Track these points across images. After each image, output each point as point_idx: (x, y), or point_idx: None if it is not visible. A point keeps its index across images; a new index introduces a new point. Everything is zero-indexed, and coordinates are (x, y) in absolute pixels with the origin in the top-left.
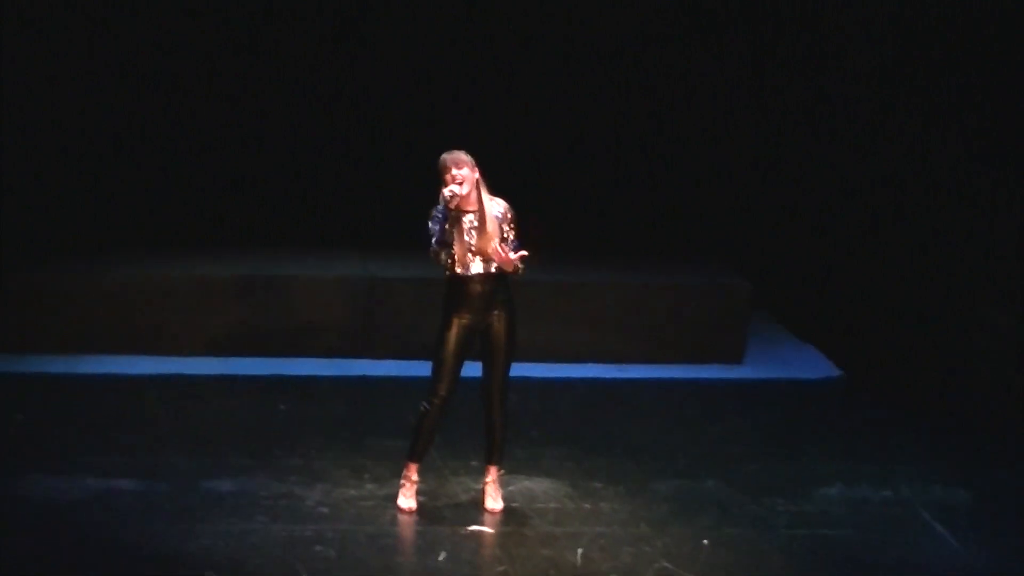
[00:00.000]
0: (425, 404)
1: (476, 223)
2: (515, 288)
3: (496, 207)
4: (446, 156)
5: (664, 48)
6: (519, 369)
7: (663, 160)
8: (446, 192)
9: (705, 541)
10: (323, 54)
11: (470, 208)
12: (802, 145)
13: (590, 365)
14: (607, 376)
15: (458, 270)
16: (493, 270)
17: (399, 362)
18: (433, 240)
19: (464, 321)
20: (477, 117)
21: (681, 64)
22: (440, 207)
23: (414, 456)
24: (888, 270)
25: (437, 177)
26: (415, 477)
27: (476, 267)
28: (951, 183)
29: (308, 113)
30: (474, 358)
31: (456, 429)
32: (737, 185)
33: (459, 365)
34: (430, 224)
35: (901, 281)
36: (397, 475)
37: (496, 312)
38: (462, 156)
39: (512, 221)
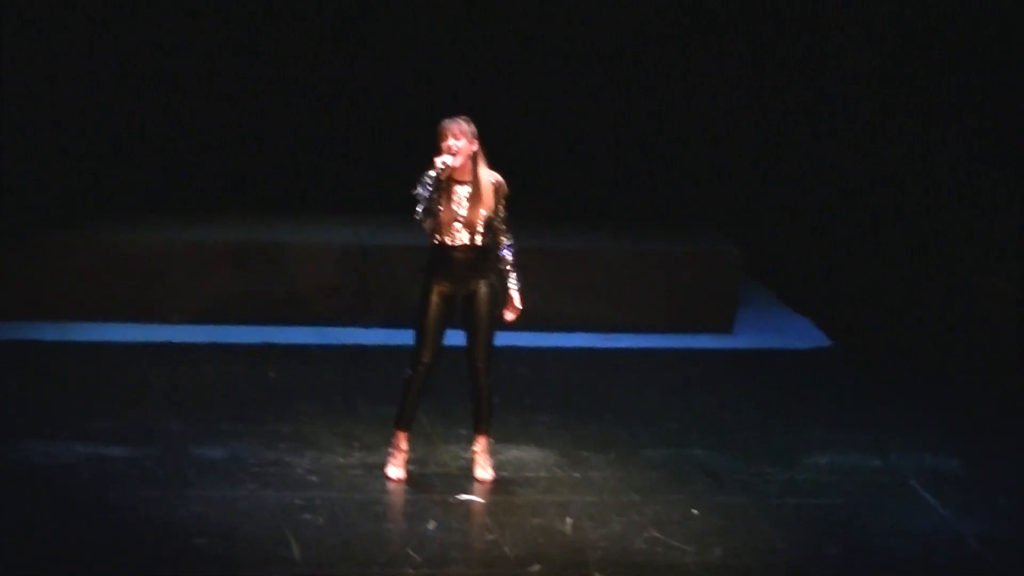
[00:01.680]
0: (409, 371)
1: (469, 194)
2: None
3: (490, 181)
4: (448, 122)
5: (664, 48)
6: (510, 338)
7: (658, 134)
8: (438, 162)
9: (695, 510)
10: (323, 54)
11: (464, 179)
12: (802, 145)
13: (581, 334)
14: (598, 345)
15: (444, 239)
16: (478, 242)
17: (391, 330)
18: (419, 207)
19: (444, 288)
20: (477, 117)
21: (681, 64)
22: (432, 173)
23: (401, 424)
24: (880, 240)
25: (434, 141)
26: (404, 446)
27: (462, 237)
28: (951, 183)
29: (303, 118)
30: (457, 327)
31: (446, 398)
32: (733, 157)
33: (441, 332)
34: (419, 189)
35: (892, 251)
36: (387, 443)
37: (477, 282)
38: (463, 125)
39: (504, 197)
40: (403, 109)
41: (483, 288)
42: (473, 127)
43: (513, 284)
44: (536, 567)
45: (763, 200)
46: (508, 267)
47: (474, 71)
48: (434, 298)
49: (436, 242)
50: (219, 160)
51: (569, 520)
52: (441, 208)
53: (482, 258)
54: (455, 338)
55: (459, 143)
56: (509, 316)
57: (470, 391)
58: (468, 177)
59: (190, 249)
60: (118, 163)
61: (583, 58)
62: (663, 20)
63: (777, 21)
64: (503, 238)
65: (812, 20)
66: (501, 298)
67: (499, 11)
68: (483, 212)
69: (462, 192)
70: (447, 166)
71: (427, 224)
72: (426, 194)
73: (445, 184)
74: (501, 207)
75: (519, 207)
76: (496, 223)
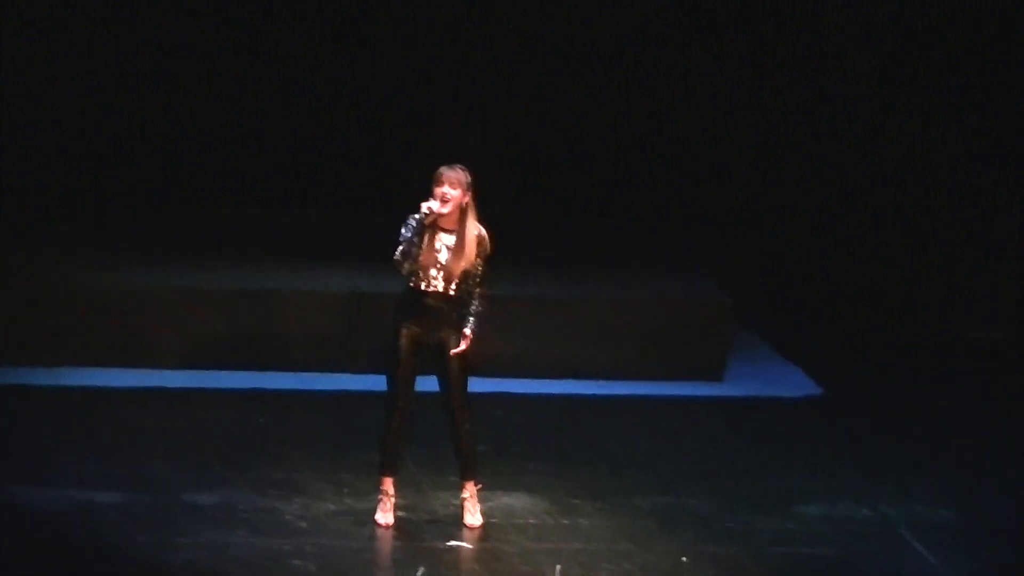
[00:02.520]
0: (387, 416)
1: (453, 244)
2: (497, 303)
3: (475, 234)
4: (446, 170)
5: (664, 48)
6: (500, 384)
7: (652, 173)
8: (424, 206)
9: (684, 558)
10: (323, 54)
11: (450, 228)
12: (802, 145)
13: (572, 381)
14: (588, 392)
15: (420, 284)
16: (452, 292)
17: (382, 376)
18: (399, 249)
19: (413, 332)
20: (477, 117)
21: (681, 64)
22: (417, 216)
23: (386, 470)
24: (869, 290)
25: (428, 184)
26: (391, 491)
27: (437, 285)
28: (951, 183)
29: (303, 118)
30: (428, 374)
31: (435, 444)
32: (722, 199)
33: (413, 374)
34: (403, 231)
35: (882, 300)
36: (377, 490)
37: (448, 331)
38: (460, 176)
39: (485, 253)
40: (403, 109)
41: (453, 337)
42: (469, 178)
43: (470, 324)
44: None
45: (748, 213)
46: (471, 314)
47: (474, 71)
48: (404, 341)
49: (411, 286)
50: (209, 200)
51: (559, 568)
52: (422, 253)
53: (454, 308)
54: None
55: (453, 192)
56: (454, 350)
57: (451, 439)
58: (455, 227)
59: (182, 294)
60: (109, 204)
61: (583, 58)
62: (663, 20)
63: (777, 21)
64: (478, 290)
65: (812, 20)
66: (487, 345)
67: (499, 11)
68: (463, 264)
69: (446, 240)
70: (432, 212)
71: (405, 267)
72: (408, 237)
73: (430, 230)
74: (480, 261)
75: (511, 253)
76: (473, 276)
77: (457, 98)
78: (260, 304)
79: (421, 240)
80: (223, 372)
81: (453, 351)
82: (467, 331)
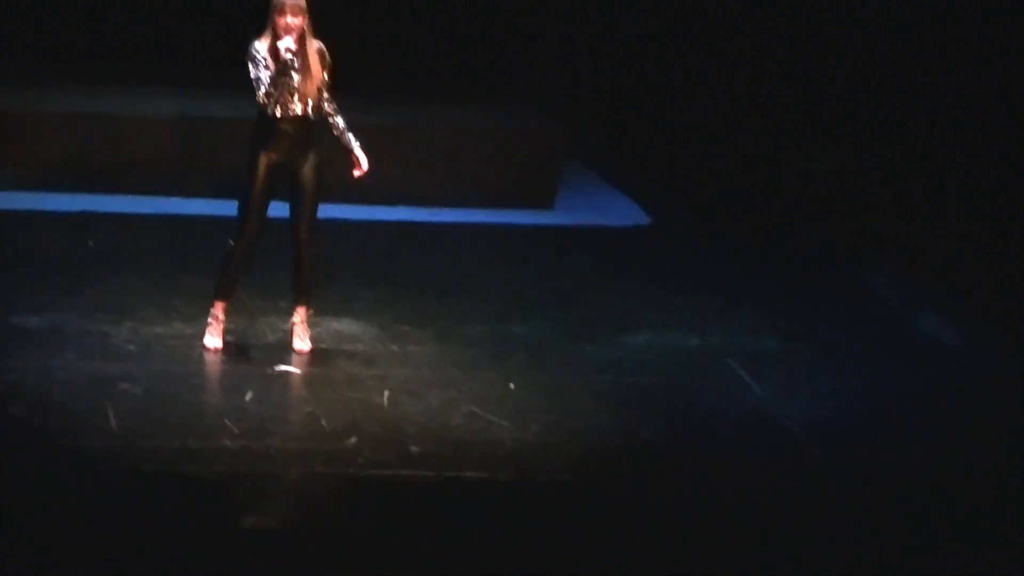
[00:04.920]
0: (231, 242)
1: (300, 65)
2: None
3: (316, 50)
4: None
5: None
6: (331, 211)
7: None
8: (282, 49)
9: (512, 385)
10: None
11: (294, 50)
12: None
13: (402, 208)
14: (418, 219)
15: (277, 111)
16: (310, 113)
17: (214, 201)
18: (263, 89)
19: (272, 160)
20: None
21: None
22: (258, 48)
23: (220, 294)
24: (699, 114)
25: (267, 13)
26: (222, 316)
27: (295, 109)
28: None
29: None
30: (281, 199)
31: (265, 269)
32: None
33: (267, 202)
34: (252, 68)
35: (713, 126)
36: (206, 314)
37: (306, 154)
38: (301, 2)
39: (328, 66)
40: None
41: (311, 159)
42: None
43: (354, 144)
44: (353, 440)
45: (585, 38)
46: (343, 131)
47: None
48: (262, 169)
49: (269, 114)
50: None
51: (387, 394)
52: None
53: (311, 130)
54: (275, 211)
55: (297, 20)
56: (357, 173)
57: (292, 262)
58: (298, 47)
59: (10, 116)
60: None
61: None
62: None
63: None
64: (330, 105)
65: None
66: (326, 169)
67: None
68: (315, 82)
69: (293, 64)
70: (291, 50)
71: (271, 103)
72: (264, 74)
73: (280, 60)
74: (326, 74)
75: (345, 80)
76: (322, 92)
77: None
78: (89, 127)
79: (282, 75)
80: (52, 195)
81: (357, 173)
82: (359, 152)
